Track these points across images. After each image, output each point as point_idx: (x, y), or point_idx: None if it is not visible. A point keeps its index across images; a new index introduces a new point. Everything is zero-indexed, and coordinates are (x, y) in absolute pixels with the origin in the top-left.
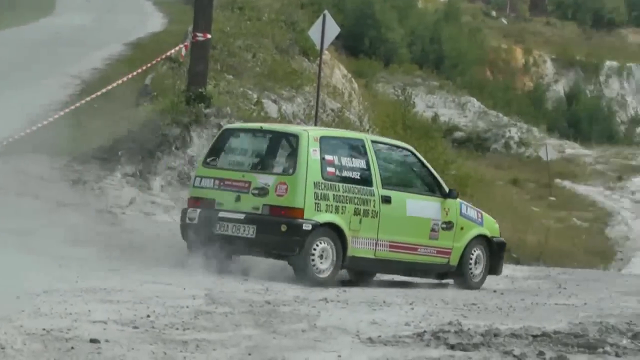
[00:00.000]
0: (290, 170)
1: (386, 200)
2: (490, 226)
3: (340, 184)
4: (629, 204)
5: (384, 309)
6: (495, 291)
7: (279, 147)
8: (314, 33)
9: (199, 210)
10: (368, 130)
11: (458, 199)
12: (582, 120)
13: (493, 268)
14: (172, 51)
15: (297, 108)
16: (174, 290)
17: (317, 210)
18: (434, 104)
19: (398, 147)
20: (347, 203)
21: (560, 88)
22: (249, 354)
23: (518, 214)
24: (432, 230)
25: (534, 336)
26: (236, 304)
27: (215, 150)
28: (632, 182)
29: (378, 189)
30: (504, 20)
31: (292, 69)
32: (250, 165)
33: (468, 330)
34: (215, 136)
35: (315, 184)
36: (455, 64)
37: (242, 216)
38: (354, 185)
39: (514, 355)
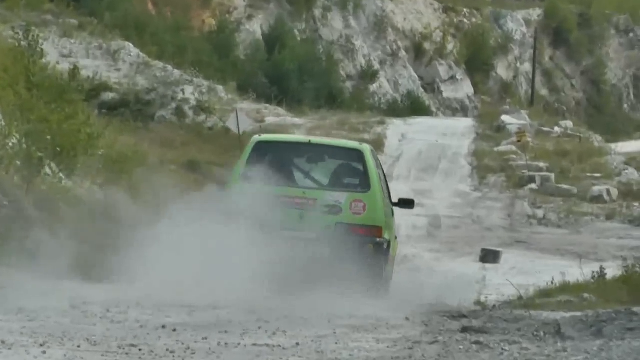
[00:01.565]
0: (365, 188)
1: (392, 213)
2: None
3: (387, 200)
4: None
5: (4, 352)
6: (164, 326)
7: (337, 163)
8: None
9: None
10: None
11: None
12: (290, 75)
13: None
14: None
15: None
16: None
17: (385, 229)
18: (71, 51)
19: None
20: (389, 218)
21: (256, 28)
22: None
23: None
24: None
25: None
26: None
27: (253, 164)
28: None
29: (391, 201)
30: None
31: None
32: (307, 181)
33: None
34: (248, 149)
35: (383, 202)
36: None
37: (312, 235)
38: (388, 200)
39: None
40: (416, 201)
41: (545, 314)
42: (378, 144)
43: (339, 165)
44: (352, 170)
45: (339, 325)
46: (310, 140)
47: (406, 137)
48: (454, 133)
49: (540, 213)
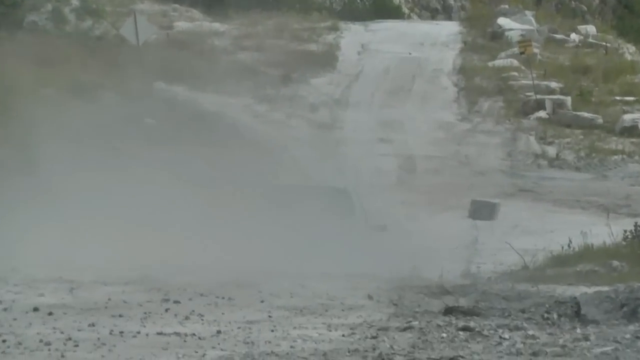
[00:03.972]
0: None
1: None
2: None
3: None
4: (305, 130)
5: None
6: (37, 309)
7: None
8: None
9: None
10: None
11: None
12: None
13: None
14: None
15: None
16: None
17: None
18: None
19: None
20: None
21: None
22: None
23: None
24: None
25: None
26: None
27: None
28: (310, 86)
29: None
30: None
31: None
32: None
33: None
34: None
35: None
36: None
37: None
38: None
39: None
40: (383, 136)
41: (559, 290)
42: (329, 58)
43: None
44: None
45: (276, 306)
46: None
47: (368, 48)
48: (434, 42)
49: (552, 151)
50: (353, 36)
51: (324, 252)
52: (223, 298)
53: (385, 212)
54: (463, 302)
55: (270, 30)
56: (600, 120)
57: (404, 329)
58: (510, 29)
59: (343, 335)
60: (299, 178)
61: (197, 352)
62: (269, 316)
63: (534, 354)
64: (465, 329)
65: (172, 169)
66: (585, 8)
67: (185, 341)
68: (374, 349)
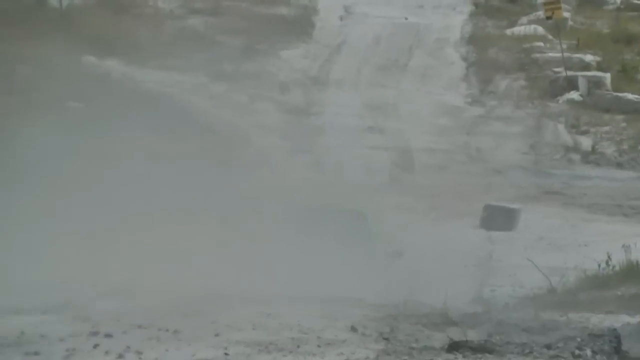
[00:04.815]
0: None
1: None
2: None
3: None
4: (274, 116)
5: None
6: None
7: None
8: None
9: None
10: None
11: None
12: None
13: None
14: None
15: None
16: None
17: None
18: None
19: None
20: None
21: None
22: None
23: None
24: None
25: None
26: None
27: None
28: (279, 60)
29: None
30: None
31: None
32: None
33: None
34: None
35: None
36: None
37: None
38: None
39: None
40: (372, 123)
41: (595, 319)
42: (303, 25)
43: None
44: None
45: (234, 340)
46: None
47: (352, 11)
48: (437, 5)
49: (586, 142)
50: None
51: (296, 273)
52: (167, 330)
53: (376, 219)
54: (472, 336)
55: None
56: None
57: None
58: None
59: None
60: (265, 175)
61: None
62: (225, 353)
63: None
64: None
65: (103, 166)
66: None
67: None
68: None
